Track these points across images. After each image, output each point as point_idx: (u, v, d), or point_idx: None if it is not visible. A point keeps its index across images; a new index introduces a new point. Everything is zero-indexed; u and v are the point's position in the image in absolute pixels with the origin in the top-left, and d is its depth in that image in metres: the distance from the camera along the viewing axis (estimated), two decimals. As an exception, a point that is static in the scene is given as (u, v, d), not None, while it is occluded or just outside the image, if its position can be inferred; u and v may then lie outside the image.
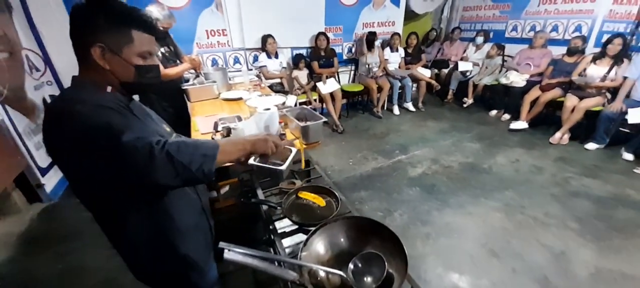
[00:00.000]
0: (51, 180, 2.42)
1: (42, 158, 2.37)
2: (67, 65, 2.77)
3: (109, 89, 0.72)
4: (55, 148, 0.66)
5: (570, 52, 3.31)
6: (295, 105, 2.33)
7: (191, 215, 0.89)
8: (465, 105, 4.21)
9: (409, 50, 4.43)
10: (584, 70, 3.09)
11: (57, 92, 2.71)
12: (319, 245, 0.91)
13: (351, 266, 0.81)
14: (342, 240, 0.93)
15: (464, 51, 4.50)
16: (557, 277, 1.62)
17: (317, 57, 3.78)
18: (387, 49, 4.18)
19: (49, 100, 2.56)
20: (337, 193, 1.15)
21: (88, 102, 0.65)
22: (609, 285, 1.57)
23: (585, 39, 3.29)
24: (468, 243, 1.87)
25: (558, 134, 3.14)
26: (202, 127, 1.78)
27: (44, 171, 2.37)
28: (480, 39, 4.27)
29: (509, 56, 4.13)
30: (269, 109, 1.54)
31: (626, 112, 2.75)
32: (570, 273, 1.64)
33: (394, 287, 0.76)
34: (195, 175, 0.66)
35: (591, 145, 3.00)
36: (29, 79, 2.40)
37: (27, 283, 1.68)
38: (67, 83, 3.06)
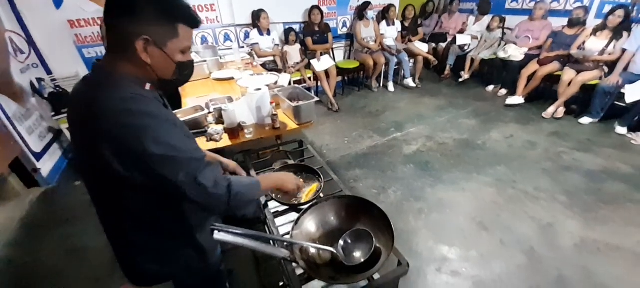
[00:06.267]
0: (47, 165, 2.42)
1: (36, 143, 2.36)
2: (52, 48, 2.68)
3: (148, 86, 0.69)
4: (111, 159, 0.62)
5: (571, 24, 3.23)
6: (289, 83, 2.29)
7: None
8: (460, 80, 4.16)
9: (406, 24, 4.30)
10: (583, 43, 3.03)
11: (43, 75, 2.64)
12: (310, 224, 0.93)
13: (341, 243, 0.84)
14: (332, 218, 0.95)
15: (463, 24, 4.37)
16: (543, 247, 1.68)
17: (311, 33, 3.66)
18: (383, 23, 4.05)
19: (36, 84, 2.50)
20: (321, 176, 1.16)
21: (156, 116, 0.63)
22: (593, 254, 1.64)
23: (586, 10, 3.20)
24: (459, 217, 1.93)
25: (552, 108, 3.14)
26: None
27: (39, 156, 2.36)
28: (476, 11, 4.15)
29: (508, 29, 4.03)
30: (260, 89, 1.52)
31: (622, 86, 2.74)
32: (556, 244, 1.71)
33: (381, 260, 0.79)
34: (237, 215, 0.77)
35: (585, 120, 3.01)
36: (14, 62, 2.33)
37: (33, 265, 1.72)
38: (53, 66, 2.95)
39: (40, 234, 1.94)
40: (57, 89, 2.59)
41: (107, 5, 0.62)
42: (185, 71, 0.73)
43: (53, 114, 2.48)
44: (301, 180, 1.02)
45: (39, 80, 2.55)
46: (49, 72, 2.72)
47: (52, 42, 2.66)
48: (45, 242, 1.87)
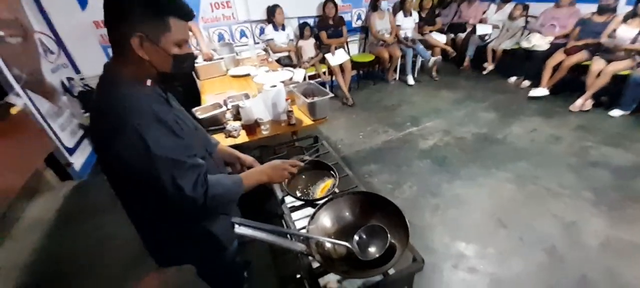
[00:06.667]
0: (79, 160, 2.58)
1: (68, 139, 2.51)
2: (79, 48, 2.82)
3: (148, 82, 0.71)
4: (109, 153, 0.67)
5: (601, 11, 3.03)
6: (304, 79, 2.31)
7: None
8: (484, 72, 4.01)
9: (423, 14, 4.18)
10: (614, 31, 2.84)
11: (72, 75, 2.79)
12: (326, 219, 0.95)
13: (356, 238, 0.86)
14: (347, 213, 0.97)
15: (484, 13, 4.20)
16: (565, 246, 1.63)
17: (325, 27, 3.64)
18: (400, 14, 3.95)
19: (67, 83, 2.65)
20: (336, 172, 1.17)
21: (145, 113, 0.65)
22: (618, 254, 1.57)
23: (618, -5, 2.99)
24: (476, 213, 1.89)
25: (579, 101, 2.98)
26: (212, 105, 1.82)
27: (72, 151, 2.52)
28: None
29: (532, 17, 3.83)
30: (275, 86, 1.55)
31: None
32: (580, 243, 1.65)
33: (395, 256, 0.81)
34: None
35: (616, 112, 2.84)
36: (44, 62, 2.47)
37: (68, 254, 1.85)
38: (81, 65, 3.08)
39: (74, 225, 2.08)
40: (86, 87, 2.74)
41: (104, 7, 0.65)
42: (183, 63, 0.74)
43: (83, 111, 2.63)
44: (297, 163, 1.00)
45: (69, 79, 2.70)
46: (77, 71, 2.87)
47: (79, 42, 2.79)
48: (79, 232, 1.99)
